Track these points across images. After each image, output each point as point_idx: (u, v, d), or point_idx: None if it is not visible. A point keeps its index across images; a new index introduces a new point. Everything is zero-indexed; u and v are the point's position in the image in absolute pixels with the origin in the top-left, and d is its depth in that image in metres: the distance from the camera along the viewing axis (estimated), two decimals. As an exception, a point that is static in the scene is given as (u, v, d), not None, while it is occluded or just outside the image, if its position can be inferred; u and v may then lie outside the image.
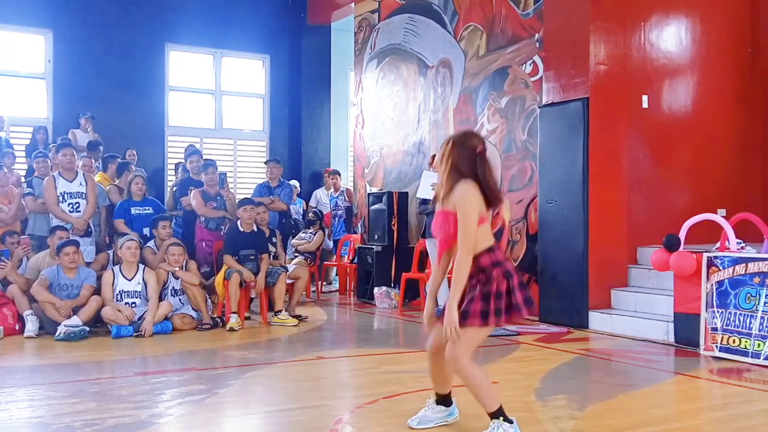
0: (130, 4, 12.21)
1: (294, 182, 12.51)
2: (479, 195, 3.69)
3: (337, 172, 12.41)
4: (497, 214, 3.80)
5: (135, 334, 7.15)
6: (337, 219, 11.97)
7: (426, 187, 8.30)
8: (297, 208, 12.06)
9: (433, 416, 4.05)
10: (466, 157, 3.74)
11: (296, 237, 10.90)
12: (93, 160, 9.69)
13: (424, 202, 8.42)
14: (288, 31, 13.52)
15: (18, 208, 8.36)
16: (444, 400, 4.08)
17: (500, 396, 3.86)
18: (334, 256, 11.68)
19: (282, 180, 9.87)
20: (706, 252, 6.46)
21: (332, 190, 12.26)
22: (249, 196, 9.33)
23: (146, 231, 8.35)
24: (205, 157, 10.28)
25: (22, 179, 9.48)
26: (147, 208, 8.57)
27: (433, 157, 8.74)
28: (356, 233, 11.76)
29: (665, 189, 8.20)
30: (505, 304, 3.67)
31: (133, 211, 8.50)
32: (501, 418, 3.71)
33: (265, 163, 10.14)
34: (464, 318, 3.67)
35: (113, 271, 7.52)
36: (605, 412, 4.48)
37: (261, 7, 13.29)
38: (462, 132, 4.02)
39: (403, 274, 9.39)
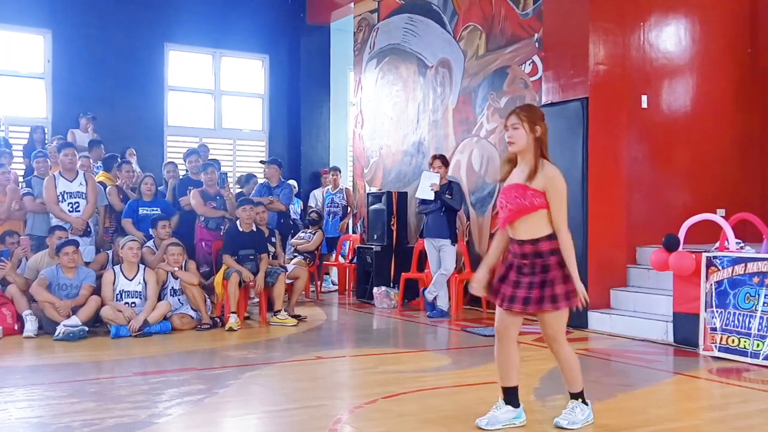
0: (129, 3, 12.20)
1: (292, 182, 12.51)
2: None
3: (337, 169, 12.42)
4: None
5: (133, 334, 7.14)
6: (331, 216, 11.92)
7: (426, 187, 8.29)
8: (295, 208, 12.07)
9: (501, 416, 4.04)
10: (547, 138, 3.97)
11: (295, 237, 10.90)
12: (92, 160, 9.66)
13: (424, 202, 8.42)
14: (287, 31, 13.52)
15: (10, 203, 8.34)
16: (512, 398, 4.07)
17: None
18: (333, 256, 11.69)
19: (282, 180, 9.86)
20: (705, 252, 6.46)
21: (330, 186, 12.25)
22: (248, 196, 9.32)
23: (152, 232, 8.36)
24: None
25: (20, 179, 9.47)
26: (155, 208, 8.57)
27: (434, 157, 8.76)
28: (355, 233, 11.77)
29: (664, 189, 8.20)
30: (567, 290, 3.86)
31: (141, 211, 8.51)
32: (580, 399, 4.05)
33: (261, 162, 10.10)
34: (554, 301, 3.83)
35: (114, 270, 7.51)
36: (604, 412, 4.47)
37: (260, 7, 13.28)
38: (534, 109, 4.10)
39: (403, 274, 9.39)
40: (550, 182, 3.88)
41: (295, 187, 12.36)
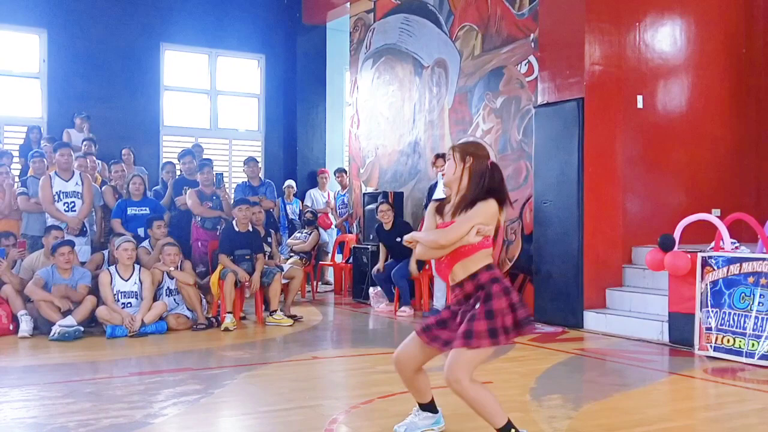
0: (125, 3, 12.19)
1: (290, 182, 12.52)
2: (497, 215, 3.63)
3: (343, 170, 12.42)
4: (494, 245, 3.74)
5: (130, 334, 7.14)
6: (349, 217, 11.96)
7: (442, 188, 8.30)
8: (293, 208, 12.07)
9: (420, 423, 3.95)
10: (482, 171, 3.64)
11: (292, 237, 10.90)
12: (89, 160, 9.64)
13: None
14: (283, 31, 13.51)
15: (10, 199, 8.33)
16: (428, 407, 3.95)
17: (496, 396, 3.87)
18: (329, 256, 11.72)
19: (262, 179, 9.87)
20: (700, 252, 6.47)
21: (338, 188, 12.30)
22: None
23: (141, 231, 8.35)
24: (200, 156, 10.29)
25: (16, 179, 9.45)
26: (144, 208, 8.57)
27: (437, 156, 8.77)
28: (351, 233, 11.77)
29: (660, 189, 8.22)
30: (512, 320, 3.55)
31: (130, 211, 8.51)
32: (513, 430, 3.54)
33: (244, 162, 10.03)
34: (468, 337, 3.47)
35: (109, 271, 7.50)
36: (600, 411, 4.48)
37: (256, 6, 13.28)
38: (470, 143, 3.96)
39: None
40: (471, 214, 3.58)
41: (293, 188, 12.37)
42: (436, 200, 3.87)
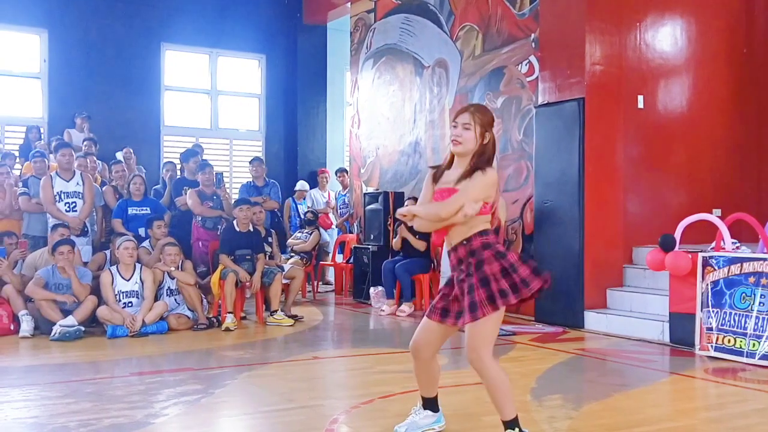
0: (125, 3, 12.19)
1: (303, 182, 12.55)
2: (496, 183, 3.61)
3: (344, 170, 12.43)
4: (493, 214, 3.73)
5: (130, 334, 7.14)
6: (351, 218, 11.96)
7: None
8: (303, 209, 12.10)
9: (421, 422, 3.88)
10: (493, 146, 3.63)
11: (292, 237, 10.90)
12: (89, 160, 9.65)
13: None
14: (284, 31, 13.51)
15: (11, 199, 8.33)
16: (431, 404, 3.91)
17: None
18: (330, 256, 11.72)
19: (267, 179, 9.89)
20: (701, 252, 6.47)
21: (340, 188, 12.31)
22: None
23: (141, 231, 8.35)
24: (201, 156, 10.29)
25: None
26: (145, 208, 8.57)
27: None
28: (351, 233, 11.77)
29: (660, 189, 8.22)
30: (509, 283, 3.48)
31: (130, 211, 8.51)
32: (516, 429, 3.50)
33: (250, 162, 10.10)
34: (473, 310, 3.45)
35: (111, 271, 7.50)
36: (601, 411, 4.48)
37: (257, 6, 13.28)
38: (488, 114, 3.67)
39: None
40: (474, 184, 3.53)
41: (305, 189, 12.39)
42: (432, 167, 3.77)
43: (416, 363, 3.81)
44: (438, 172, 3.73)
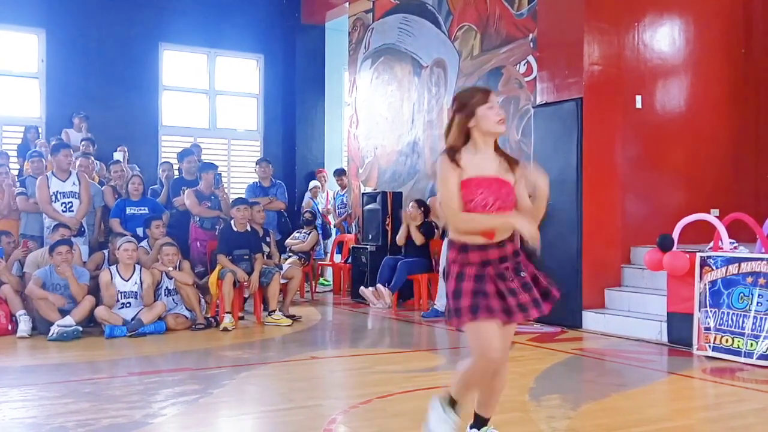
0: (123, 3, 12.17)
1: (315, 182, 12.56)
2: None
3: (343, 171, 12.44)
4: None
5: (128, 334, 7.13)
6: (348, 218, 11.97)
7: None
8: (322, 204, 12.12)
9: None
10: None
11: (290, 237, 10.90)
12: (89, 160, 9.64)
13: None
14: (282, 31, 13.51)
15: (9, 199, 8.33)
16: (483, 423, 3.55)
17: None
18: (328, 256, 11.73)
19: (273, 180, 9.88)
20: (699, 252, 6.48)
21: (338, 188, 12.35)
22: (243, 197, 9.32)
23: (139, 231, 8.34)
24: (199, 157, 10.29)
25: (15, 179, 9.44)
26: (143, 208, 8.57)
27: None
28: (350, 233, 11.77)
29: (659, 189, 8.22)
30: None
31: (128, 210, 8.51)
32: (447, 407, 3.40)
33: (256, 163, 10.13)
34: (547, 298, 3.50)
35: (110, 271, 7.49)
36: (599, 411, 4.48)
37: (255, 6, 13.27)
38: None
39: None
40: (529, 173, 3.48)
41: (319, 187, 12.42)
42: (447, 151, 3.39)
43: (489, 376, 3.37)
44: (457, 156, 3.36)
